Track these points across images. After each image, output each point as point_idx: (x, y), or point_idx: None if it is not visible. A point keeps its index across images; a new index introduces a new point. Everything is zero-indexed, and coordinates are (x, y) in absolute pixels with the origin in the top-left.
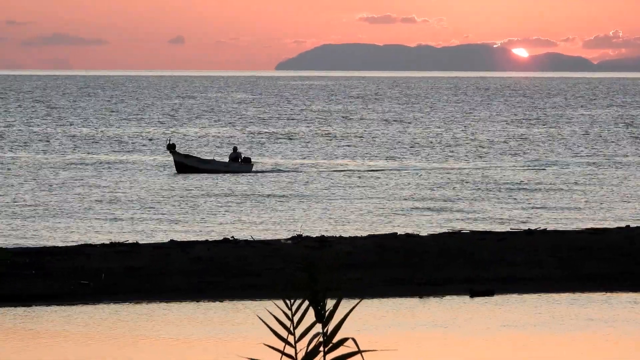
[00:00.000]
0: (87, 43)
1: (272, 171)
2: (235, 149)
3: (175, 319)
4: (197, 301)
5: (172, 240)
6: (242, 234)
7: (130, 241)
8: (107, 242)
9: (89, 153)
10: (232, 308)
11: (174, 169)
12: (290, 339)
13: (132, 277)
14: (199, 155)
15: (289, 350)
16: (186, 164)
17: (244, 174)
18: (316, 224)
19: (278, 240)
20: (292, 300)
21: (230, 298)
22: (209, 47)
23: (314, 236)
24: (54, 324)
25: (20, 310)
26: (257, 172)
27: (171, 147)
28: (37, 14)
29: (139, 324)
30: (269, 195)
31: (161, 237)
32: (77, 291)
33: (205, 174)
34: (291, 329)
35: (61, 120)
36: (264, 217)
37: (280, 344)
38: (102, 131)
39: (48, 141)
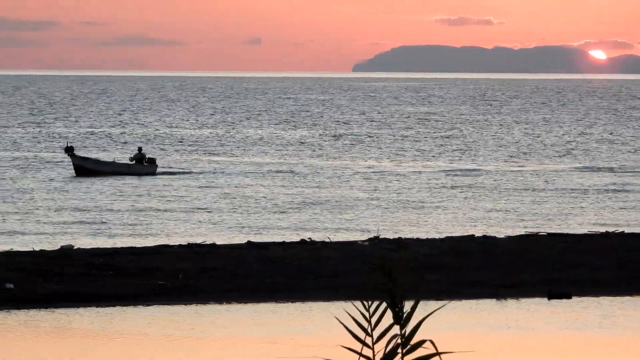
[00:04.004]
0: (163, 44)
1: (178, 172)
2: (140, 149)
3: (252, 319)
4: (274, 302)
5: (249, 242)
6: (319, 235)
7: (207, 242)
8: (185, 243)
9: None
10: (309, 309)
11: (73, 172)
12: (368, 340)
13: (209, 278)
14: (98, 157)
15: (367, 351)
16: (85, 167)
17: (148, 175)
18: (394, 226)
19: (355, 242)
20: (369, 302)
21: (307, 299)
22: (286, 48)
23: (391, 238)
24: (131, 324)
25: (99, 310)
26: (161, 173)
27: (69, 150)
28: (114, 15)
29: (216, 324)
30: (346, 197)
31: (239, 239)
32: (154, 292)
33: (104, 176)
34: (369, 330)
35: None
36: (341, 218)
37: (357, 346)
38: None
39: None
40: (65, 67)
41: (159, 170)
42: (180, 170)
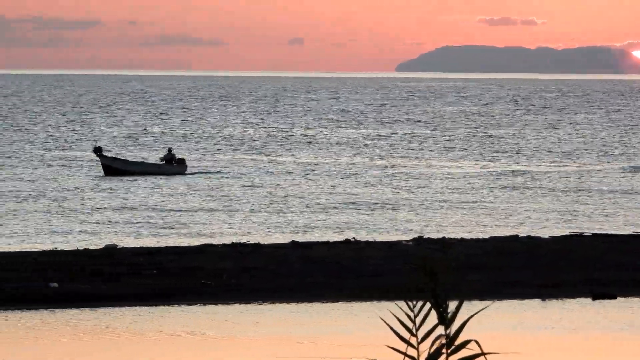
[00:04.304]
0: (206, 44)
1: (206, 172)
2: (170, 149)
3: (295, 319)
4: (317, 302)
5: (293, 241)
6: (363, 235)
7: (251, 242)
8: (229, 242)
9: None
10: (353, 309)
11: (102, 172)
12: (413, 340)
13: (252, 277)
14: (127, 158)
15: (412, 351)
16: (114, 167)
17: (177, 175)
18: (438, 226)
19: (399, 242)
20: (414, 302)
21: (351, 299)
22: (329, 48)
23: (435, 238)
24: (174, 323)
25: (142, 309)
26: (191, 173)
27: (97, 150)
28: (156, 14)
29: (258, 324)
30: (390, 196)
31: (283, 238)
32: (198, 291)
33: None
34: (413, 330)
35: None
36: (385, 218)
37: (402, 346)
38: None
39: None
40: (106, 66)
41: (188, 170)
42: (211, 171)
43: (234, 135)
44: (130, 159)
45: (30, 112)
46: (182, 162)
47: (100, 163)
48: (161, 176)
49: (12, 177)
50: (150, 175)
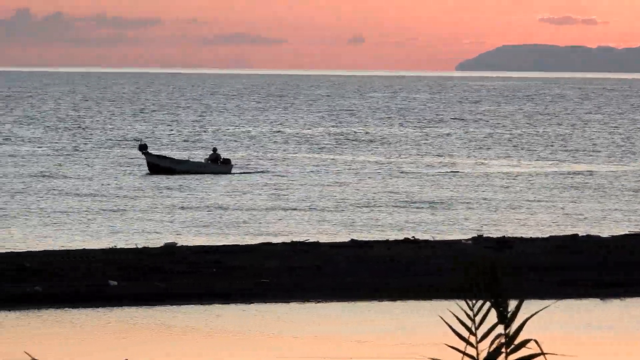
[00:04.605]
0: (267, 42)
1: (250, 172)
2: (214, 149)
3: (355, 317)
4: (377, 300)
5: (352, 240)
6: (423, 234)
7: (310, 240)
8: (288, 240)
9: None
10: (413, 308)
11: (147, 170)
12: (472, 339)
13: (311, 276)
14: (172, 156)
15: (471, 350)
16: (159, 165)
17: (222, 174)
18: (498, 225)
19: (459, 241)
20: (473, 301)
21: (410, 298)
22: (389, 47)
23: (495, 237)
24: (233, 322)
25: (201, 307)
26: (237, 173)
27: (143, 148)
28: (217, 13)
29: (318, 322)
30: (450, 195)
31: (342, 237)
32: (257, 289)
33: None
34: (473, 329)
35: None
36: (445, 217)
37: (461, 345)
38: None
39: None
40: (167, 65)
41: (234, 170)
42: (258, 170)
43: (293, 134)
44: (175, 157)
45: (92, 109)
46: (227, 161)
47: (145, 161)
48: (208, 175)
49: (72, 175)
50: (194, 175)
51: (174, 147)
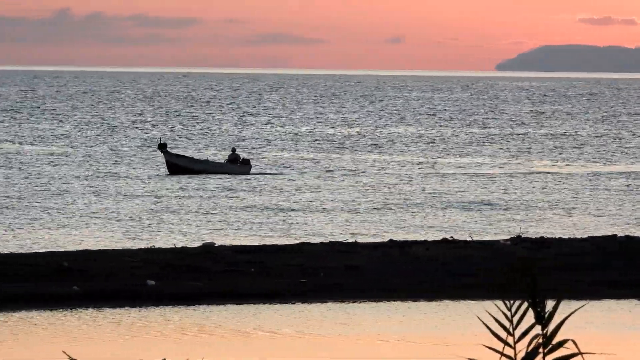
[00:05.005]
0: (305, 42)
1: (270, 173)
2: (234, 150)
3: (392, 317)
4: (414, 300)
5: (391, 240)
6: (461, 234)
7: (349, 240)
8: (327, 241)
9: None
10: (450, 308)
11: (166, 169)
12: (510, 339)
13: (350, 276)
14: (191, 156)
15: (508, 351)
16: (178, 164)
17: (241, 175)
18: (537, 225)
19: (497, 241)
20: (511, 301)
21: (448, 298)
22: (428, 47)
23: (534, 237)
24: (271, 322)
25: (239, 308)
26: (256, 173)
27: (162, 147)
28: (255, 12)
29: (355, 322)
30: (488, 196)
31: (381, 237)
32: (295, 289)
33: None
34: (510, 329)
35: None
36: (483, 217)
37: (499, 345)
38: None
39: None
40: (205, 64)
41: (253, 170)
42: (276, 172)
43: (331, 134)
44: (195, 156)
45: (131, 108)
46: (246, 162)
47: (164, 160)
48: (246, 176)
49: (112, 175)
50: (214, 175)
51: (220, 148)
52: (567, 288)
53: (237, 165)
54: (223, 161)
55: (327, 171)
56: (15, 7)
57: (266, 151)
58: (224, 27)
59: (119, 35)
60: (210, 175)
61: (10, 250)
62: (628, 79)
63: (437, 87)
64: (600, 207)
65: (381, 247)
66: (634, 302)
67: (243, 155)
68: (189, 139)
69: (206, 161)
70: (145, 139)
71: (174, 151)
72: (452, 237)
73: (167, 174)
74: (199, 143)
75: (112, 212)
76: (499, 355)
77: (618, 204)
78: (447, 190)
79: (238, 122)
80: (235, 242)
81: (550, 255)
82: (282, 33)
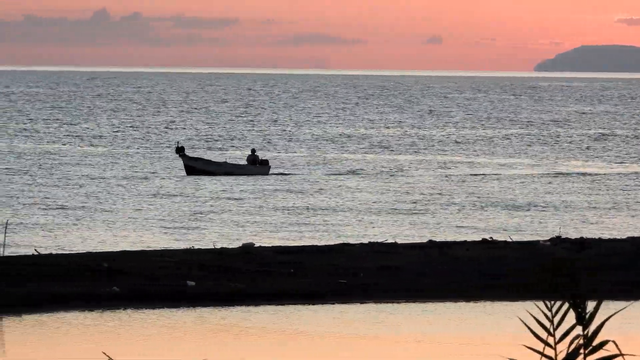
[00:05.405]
0: (343, 42)
1: (288, 174)
2: (253, 151)
3: (432, 318)
4: (454, 301)
5: (430, 240)
6: (501, 235)
7: (388, 241)
8: (366, 241)
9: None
10: (490, 308)
11: (184, 172)
12: (550, 340)
13: (389, 277)
14: (210, 158)
15: (549, 351)
16: (195, 167)
17: (260, 176)
18: (577, 226)
19: (537, 242)
20: (551, 302)
21: (488, 298)
22: (467, 47)
23: (573, 238)
24: (310, 323)
25: (278, 308)
26: (274, 174)
27: (180, 150)
28: (294, 13)
29: (393, 324)
30: (528, 196)
31: (420, 238)
32: (334, 290)
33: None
34: (551, 330)
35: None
36: (523, 218)
37: (540, 345)
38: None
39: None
40: (244, 65)
41: (271, 172)
42: (294, 173)
43: (370, 135)
44: (212, 159)
45: (171, 108)
46: (265, 163)
47: (182, 163)
48: (245, 176)
49: (150, 176)
50: (232, 176)
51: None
52: (608, 289)
53: (255, 166)
54: (241, 162)
55: (355, 170)
56: (53, 7)
57: (296, 151)
58: (263, 27)
59: (157, 36)
60: (248, 177)
61: (50, 251)
62: None
63: (476, 88)
64: None
65: (420, 248)
66: None
67: (262, 155)
68: (232, 140)
69: (224, 163)
70: (184, 140)
71: (206, 155)
72: (491, 237)
73: (184, 176)
74: (239, 144)
75: (151, 212)
76: (540, 355)
77: None
78: (486, 191)
79: (278, 122)
80: (275, 243)
81: (590, 255)
82: (321, 33)
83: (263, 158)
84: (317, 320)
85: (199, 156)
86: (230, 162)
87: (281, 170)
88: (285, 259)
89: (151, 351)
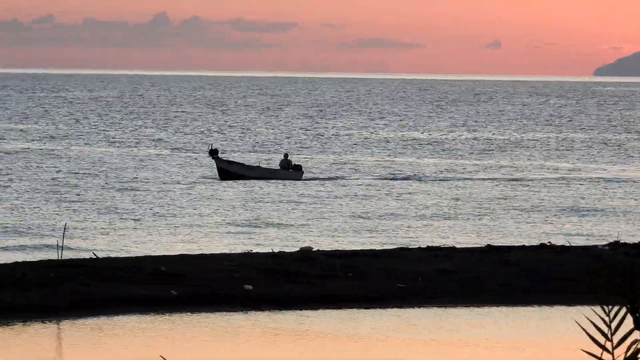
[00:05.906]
0: (403, 46)
1: (323, 178)
2: (286, 155)
3: (491, 322)
4: (511, 305)
5: (488, 245)
6: (559, 240)
7: (446, 245)
8: (424, 246)
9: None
10: (549, 313)
11: (217, 175)
12: (608, 345)
13: (447, 281)
14: (243, 162)
15: (606, 356)
16: (229, 171)
17: (293, 181)
18: (636, 231)
19: (595, 246)
20: (609, 307)
21: (546, 303)
22: (526, 51)
23: (633, 242)
24: (369, 326)
25: (337, 312)
26: (308, 179)
27: (213, 153)
28: (353, 17)
29: (453, 328)
30: (585, 201)
31: (478, 242)
32: (393, 294)
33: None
34: (609, 335)
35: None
36: (581, 223)
37: (597, 350)
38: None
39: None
40: (305, 69)
41: (305, 176)
42: (328, 177)
43: (426, 139)
44: (246, 162)
45: (237, 112)
46: (298, 168)
47: (216, 166)
48: (277, 181)
49: (208, 180)
50: (265, 180)
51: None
52: None
53: (289, 171)
54: (274, 167)
55: (415, 175)
56: (113, 11)
57: (354, 154)
58: (322, 31)
59: (216, 39)
60: (305, 181)
61: (109, 254)
62: None
63: (535, 92)
64: None
65: (478, 252)
66: None
67: (295, 161)
68: (302, 144)
69: (258, 167)
70: (246, 143)
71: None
72: (549, 242)
73: (218, 180)
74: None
75: (210, 216)
76: None
77: None
78: (545, 195)
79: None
80: (333, 247)
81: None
82: (380, 37)
83: (296, 163)
84: (376, 324)
85: (232, 159)
86: (264, 167)
87: (312, 175)
88: (343, 263)
89: (208, 355)
